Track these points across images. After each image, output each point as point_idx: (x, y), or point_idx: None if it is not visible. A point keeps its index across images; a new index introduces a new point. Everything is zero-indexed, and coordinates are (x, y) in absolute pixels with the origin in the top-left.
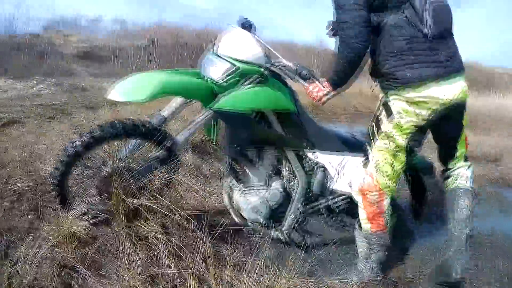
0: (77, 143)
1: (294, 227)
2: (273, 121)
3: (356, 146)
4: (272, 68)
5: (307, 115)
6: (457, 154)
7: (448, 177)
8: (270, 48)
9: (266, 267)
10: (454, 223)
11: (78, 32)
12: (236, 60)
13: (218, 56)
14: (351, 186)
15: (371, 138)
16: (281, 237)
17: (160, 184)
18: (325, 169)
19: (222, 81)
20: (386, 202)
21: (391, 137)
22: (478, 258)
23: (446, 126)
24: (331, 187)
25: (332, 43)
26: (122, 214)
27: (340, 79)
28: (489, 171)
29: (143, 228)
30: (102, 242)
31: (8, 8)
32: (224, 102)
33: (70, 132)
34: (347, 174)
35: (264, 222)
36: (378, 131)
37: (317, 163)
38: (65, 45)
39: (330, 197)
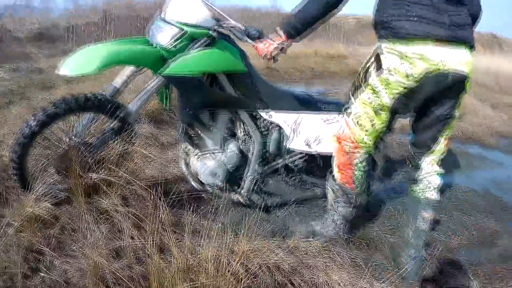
0: (32, 123)
1: (253, 189)
2: (225, 83)
3: (311, 104)
4: (221, 30)
5: (259, 75)
6: (436, 151)
7: (417, 182)
8: (218, 10)
9: (227, 230)
10: (412, 232)
11: (31, 14)
12: (184, 24)
13: (166, 21)
14: (308, 144)
15: (357, 88)
16: (241, 200)
17: (117, 156)
18: (280, 129)
19: (171, 46)
20: (359, 157)
21: (377, 92)
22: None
23: (435, 106)
24: (287, 146)
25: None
26: (81, 190)
27: (302, 25)
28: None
29: (103, 202)
30: (65, 221)
31: None
32: (174, 67)
33: (28, 115)
34: (303, 132)
35: (222, 186)
36: (365, 82)
37: (272, 123)
38: (19, 29)
39: (287, 156)
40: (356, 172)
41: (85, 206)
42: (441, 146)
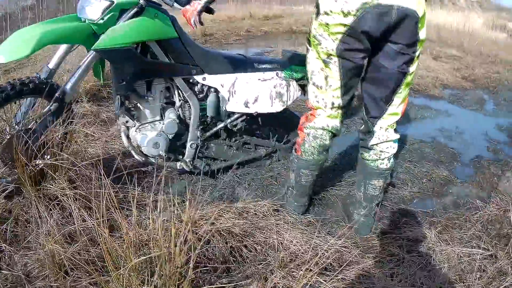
0: None
1: (196, 155)
2: (157, 51)
3: (246, 64)
4: None
5: (190, 40)
6: (390, 114)
7: (368, 149)
8: None
9: (176, 200)
10: (363, 195)
11: None
12: None
13: None
14: (246, 105)
15: (307, 50)
16: (185, 167)
17: (59, 138)
18: (217, 92)
19: (100, 20)
20: (311, 123)
21: (320, 40)
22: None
23: (386, 57)
24: (226, 109)
25: None
26: (29, 179)
27: None
28: None
29: (51, 188)
30: (18, 213)
31: None
32: (104, 40)
33: None
34: (240, 93)
35: (165, 155)
36: (310, 33)
37: (208, 87)
38: None
39: (227, 119)
40: (305, 138)
41: (35, 194)
42: (395, 108)
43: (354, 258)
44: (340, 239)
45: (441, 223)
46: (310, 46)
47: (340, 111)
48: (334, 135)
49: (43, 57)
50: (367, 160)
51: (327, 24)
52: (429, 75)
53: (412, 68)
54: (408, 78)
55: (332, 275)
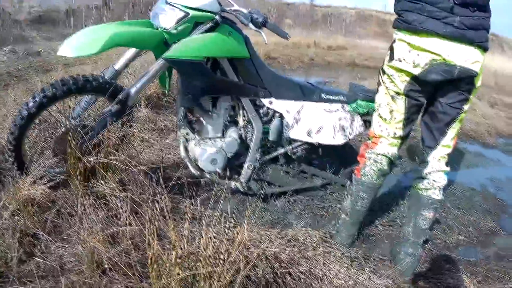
0: (30, 104)
1: (252, 177)
2: (227, 68)
3: (313, 93)
4: (225, 15)
5: (261, 62)
6: (443, 146)
7: (422, 179)
8: None
9: (226, 218)
10: (412, 230)
11: None
12: (187, 7)
13: (170, 4)
14: (310, 134)
15: (378, 83)
16: (239, 187)
17: (115, 139)
18: (282, 117)
19: (174, 30)
20: (374, 149)
21: (392, 79)
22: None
23: (445, 97)
24: (288, 135)
25: None
26: (79, 174)
27: None
28: None
29: (100, 186)
30: (61, 205)
31: None
32: (176, 50)
33: (26, 97)
34: (305, 121)
35: (221, 173)
36: (383, 71)
37: (273, 111)
38: (17, 11)
39: (288, 145)
40: (366, 162)
41: (82, 190)
42: (448, 141)
43: None
44: (384, 279)
45: (482, 274)
46: (381, 82)
47: (400, 140)
48: (391, 162)
49: (106, 56)
50: (421, 189)
51: (399, 68)
52: (485, 122)
53: (466, 107)
54: (462, 115)
55: None
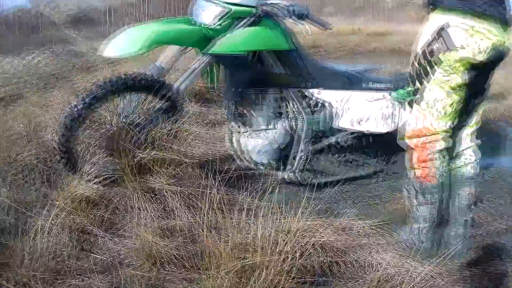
0: (79, 105)
1: (304, 167)
2: (272, 61)
3: (359, 81)
4: (265, 8)
5: (306, 52)
6: (473, 123)
7: (454, 159)
8: None
9: (280, 209)
10: (455, 209)
11: None
12: (228, 3)
13: (209, 0)
14: (358, 122)
15: (421, 72)
16: (292, 178)
17: (167, 135)
18: (330, 107)
19: (215, 25)
20: (438, 147)
21: (451, 70)
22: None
23: (483, 80)
24: (337, 124)
25: None
26: (131, 170)
27: None
28: (493, 108)
29: (155, 181)
30: (116, 202)
31: None
32: (220, 45)
33: (72, 97)
34: (352, 110)
35: (273, 164)
36: (432, 63)
37: (321, 101)
38: (55, 13)
39: (337, 135)
40: (437, 164)
41: (136, 186)
42: (479, 118)
43: (445, 286)
44: (434, 266)
45: None
46: (432, 75)
47: (456, 131)
48: (452, 151)
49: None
50: (458, 167)
51: (460, 57)
52: None
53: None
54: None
55: None
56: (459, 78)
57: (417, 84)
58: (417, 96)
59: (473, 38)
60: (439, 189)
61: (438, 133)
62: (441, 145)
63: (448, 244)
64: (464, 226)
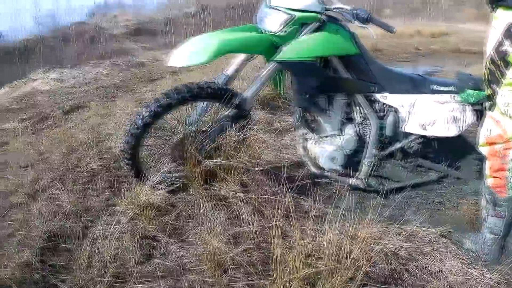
0: (145, 114)
1: (371, 173)
2: (339, 66)
3: (425, 85)
4: (329, 13)
5: (372, 57)
6: None
7: None
8: None
9: (347, 216)
10: None
11: (124, 11)
12: (292, 9)
13: (273, 8)
14: (424, 128)
15: (494, 75)
16: (359, 184)
17: (235, 142)
18: (396, 111)
19: (281, 32)
20: (511, 156)
21: None
22: None
23: None
24: (403, 129)
25: None
26: (198, 177)
27: None
28: None
29: (221, 188)
30: (181, 208)
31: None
32: (287, 52)
33: (135, 107)
34: (419, 114)
35: (341, 170)
36: (506, 65)
37: (388, 106)
38: (113, 26)
39: (404, 140)
40: (508, 174)
41: (203, 192)
42: None
43: None
44: (495, 274)
45: None
46: (503, 79)
47: None
48: None
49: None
50: None
51: None
52: None
53: None
54: None
55: None
56: None
57: (490, 88)
58: (490, 102)
59: None
60: (509, 203)
61: (511, 141)
62: None
63: (510, 253)
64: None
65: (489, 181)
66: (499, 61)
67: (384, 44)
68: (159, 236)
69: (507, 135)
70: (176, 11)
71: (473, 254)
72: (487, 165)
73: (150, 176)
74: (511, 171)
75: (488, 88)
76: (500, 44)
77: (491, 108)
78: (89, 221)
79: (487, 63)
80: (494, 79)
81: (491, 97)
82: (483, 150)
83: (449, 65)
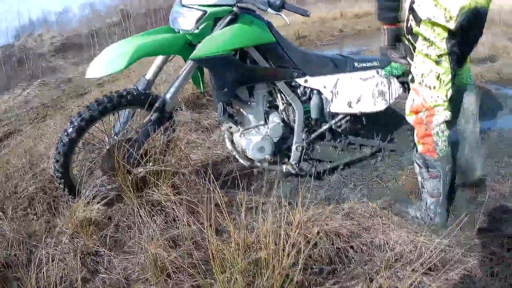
0: (70, 130)
1: (301, 157)
2: (256, 56)
3: (346, 64)
4: (242, 5)
5: (289, 43)
6: (466, 61)
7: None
8: None
9: (282, 203)
10: (464, 121)
11: (50, 28)
12: (204, 5)
13: (186, 6)
14: (349, 105)
15: (408, 50)
16: (291, 170)
17: (161, 146)
18: (320, 93)
19: (195, 30)
20: (435, 121)
21: (429, 40)
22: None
23: (469, 34)
24: (330, 110)
25: None
26: (130, 186)
27: None
28: (485, 70)
29: (154, 194)
30: (118, 219)
31: None
32: (201, 49)
33: (65, 124)
34: (343, 93)
35: (271, 159)
36: (415, 40)
37: (310, 89)
38: (40, 45)
39: (331, 120)
40: (435, 139)
41: (137, 201)
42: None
43: (457, 257)
44: (445, 239)
45: None
46: (414, 51)
47: (451, 97)
48: (450, 124)
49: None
50: (463, 83)
51: (433, 27)
52: None
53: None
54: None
55: (436, 275)
56: (439, 48)
57: (407, 61)
58: (409, 74)
59: (437, 7)
60: (442, 163)
61: (432, 108)
62: (438, 119)
63: (458, 209)
64: (475, 138)
65: (419, 148)
66: (409, 35)
67: (308, 30)
68: (101, 251)
69: (427, 103)
70: (99, 23)
71: (419, 221)
72: (415, 133)
73: (84, 192)
74: (438, 135)
75: (405, 61)
76: (407, 19)
77: (412, 79)
78: (33, 246)
79: (403, 38)
80: (409, 52)
81: (410, 70)
82: (410, 119)
83: (375, 43)
